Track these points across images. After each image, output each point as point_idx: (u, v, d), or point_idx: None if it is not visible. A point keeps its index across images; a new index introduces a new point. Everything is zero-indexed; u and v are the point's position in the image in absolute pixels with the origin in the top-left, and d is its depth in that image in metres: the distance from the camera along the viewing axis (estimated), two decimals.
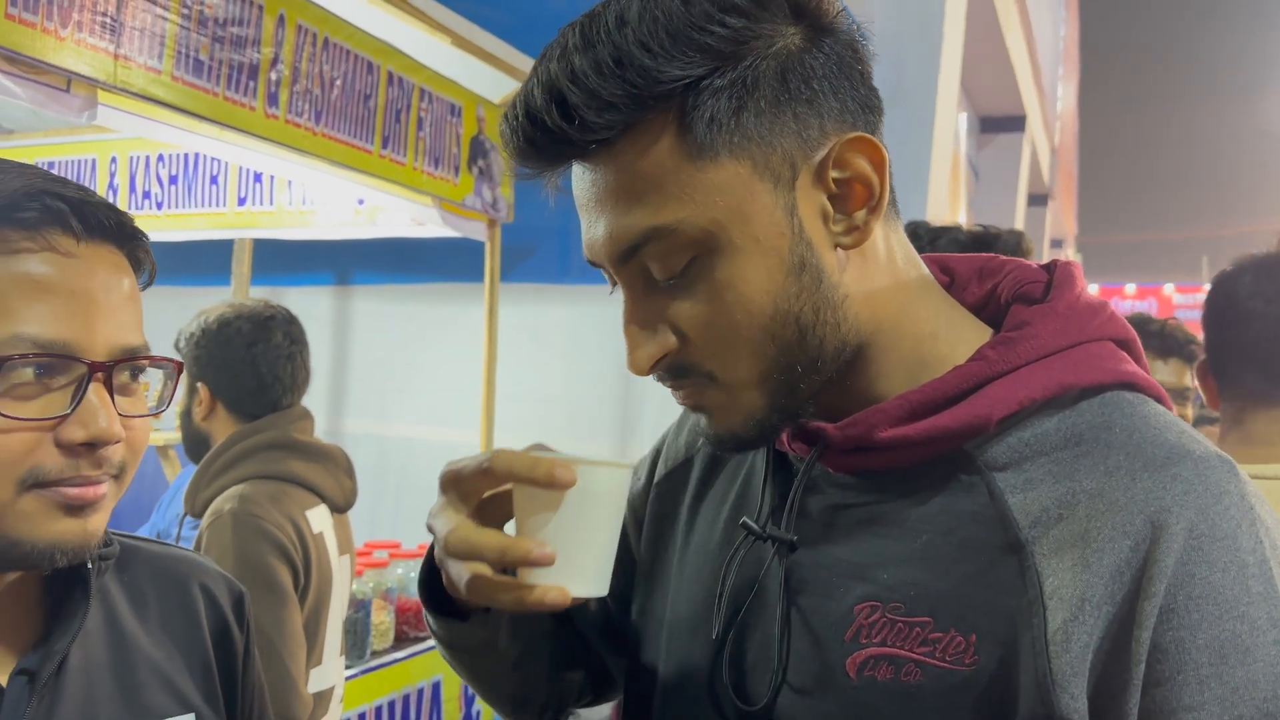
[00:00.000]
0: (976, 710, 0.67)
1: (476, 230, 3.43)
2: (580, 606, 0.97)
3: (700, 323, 0.72)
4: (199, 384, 2.12)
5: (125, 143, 3.90)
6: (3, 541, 0.73)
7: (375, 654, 2.84)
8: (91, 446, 0.74)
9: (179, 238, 3.79)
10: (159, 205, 3.86)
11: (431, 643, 3.15)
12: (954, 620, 0.69)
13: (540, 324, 4.08)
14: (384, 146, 2.86)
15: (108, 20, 2.00)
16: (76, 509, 0.75)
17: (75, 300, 0.74)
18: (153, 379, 0.85)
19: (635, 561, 0.94)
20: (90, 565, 0.82)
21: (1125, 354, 0.77)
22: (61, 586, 0.83)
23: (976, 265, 0.84)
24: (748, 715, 0.77)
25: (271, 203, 3.62)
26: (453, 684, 3.21)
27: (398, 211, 3.36)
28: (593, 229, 0.74)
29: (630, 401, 4.00)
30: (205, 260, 4.00)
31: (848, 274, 0.74)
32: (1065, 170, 13.82)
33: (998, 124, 8.52)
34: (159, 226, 3.80)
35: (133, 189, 3.90)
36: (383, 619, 2.89)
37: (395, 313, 4.29)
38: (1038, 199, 10.91)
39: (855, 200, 0.73)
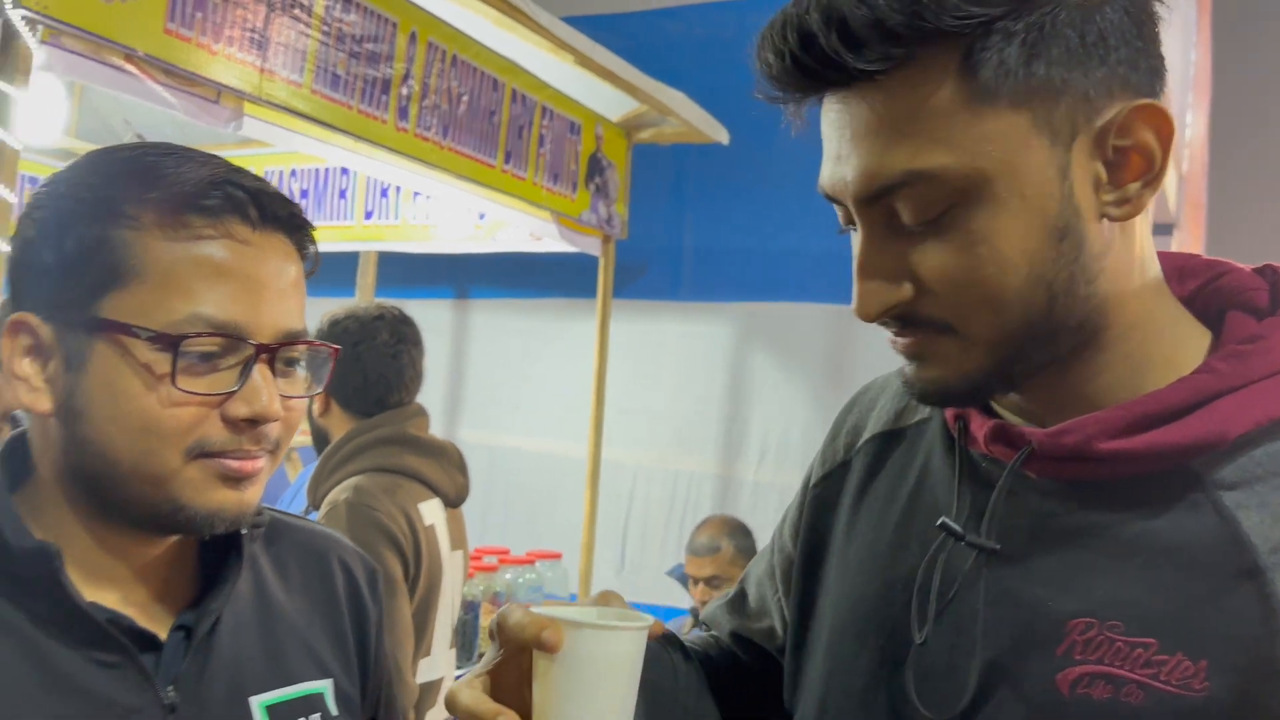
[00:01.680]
0: None
1: (591, 245, 3.50)
2: (759, 627, 0.98)
3: (947, 274, 0.68)
4: None
5: (261, 158, 4.09)
6: (169, 504, 0.78)
7: (482, 656, 2.89)
8: (253, 423, 0.79)
9: None
10: None
11: None
12: (1181, 644, 0.65)
13: (650, 340, 4.13)
14: (506, 161, 2.95)
15: (255, 35, 2.13)
16: (235, 480, 0.80)
17: (248, 285, 0.78)
18: (308, 363, 0.88)
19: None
20: (244, 532, 0.87)
21: None
22: (217, 551, 0.88)
23: (1176, 264, 0.79)
24: None
25: (396, 217, 3.76)
26: None
27: (516, 227, 3.45)
28: (841, 164, 0.69)
29: (736, 419, 4.01)
30: (332, 271, 4.14)
31: (1110, 252, 0.69)
32: (1193, 199, 13.24)
33: None
34: None
35: None
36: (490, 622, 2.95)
37: (510, 326, 4.39)
38: (1163, 228, 10.49)
39: (1131, 171, 0.68)
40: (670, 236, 4.08)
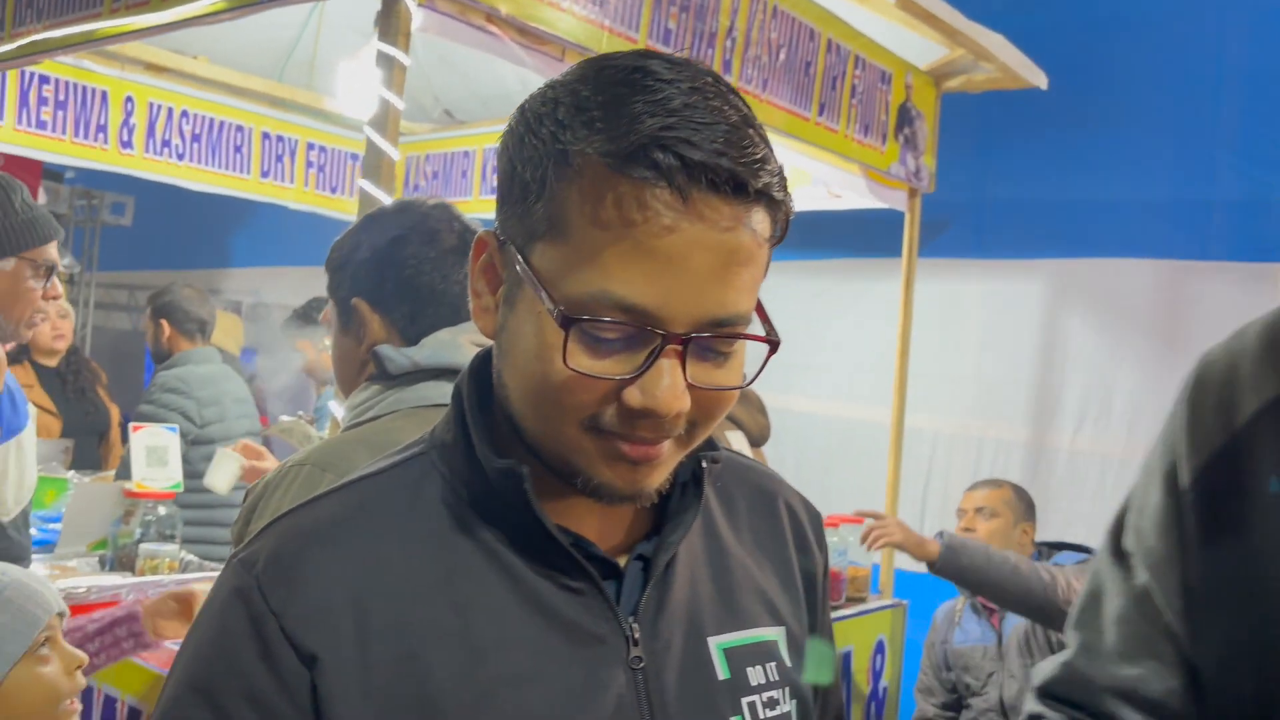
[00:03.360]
0: None
1: (898, 200, 3.37)
2: None
3: None
4: None
5: None
6: (568, 467, 0.74)
7: None
8: (647, 413, 0.70)
9: None
10: None
11: (844, 612, 3.14)
12: None
13: (952, 300, 3.95)
14: (820, 113, 2.88)
15: None
16: (632, 462, 0.73)
17: (669, 267, 0.68)
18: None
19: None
20: (704, 466, 0.81)
21: None
22: (673, 483, 0.81)
23: None
24: None
25: None
26: (862, 655, 3.18)
27: (814, 185, 3.38)
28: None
29: (1049, 385, 3.77)
30: None
31: None
32: None
33: None
34: None
35: None
36: None
37: (798, 288, 4.31)
38: None
39: None
40: (975, 190, 3.87)
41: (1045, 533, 3.48)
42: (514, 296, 0.73)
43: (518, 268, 0.72)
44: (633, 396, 0.70)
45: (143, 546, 2.63)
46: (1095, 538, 3.26)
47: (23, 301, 2.00)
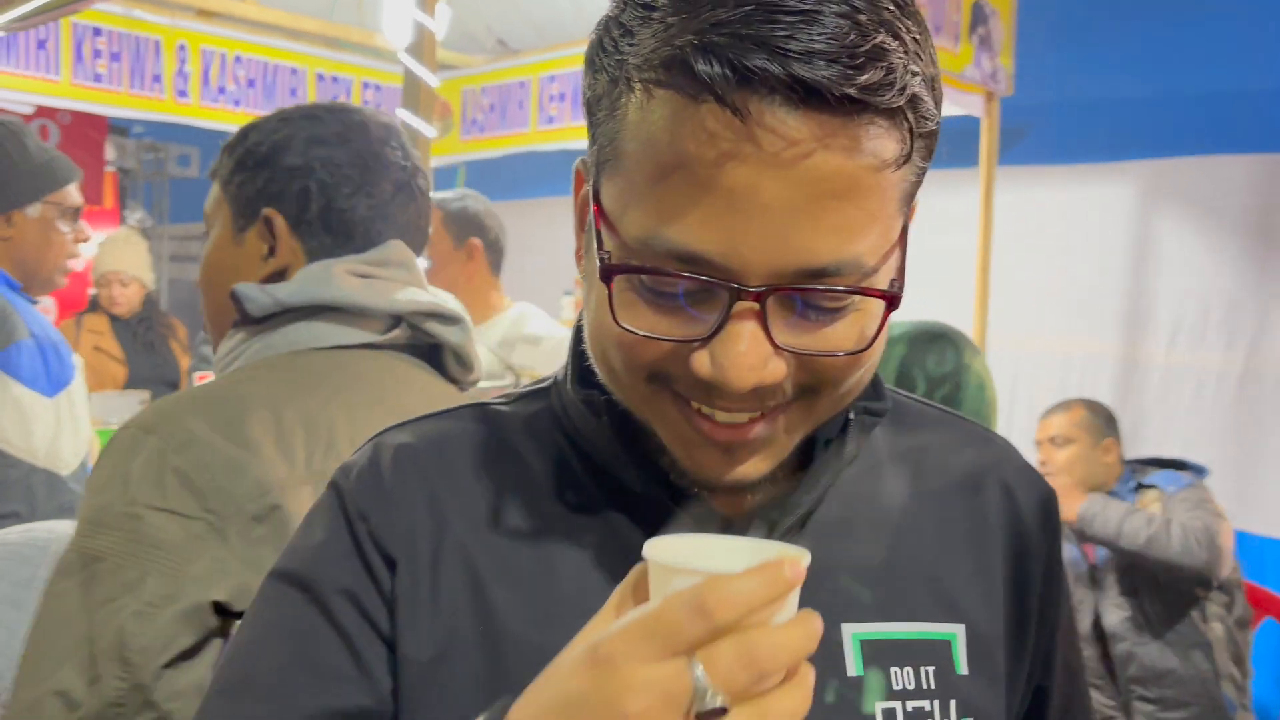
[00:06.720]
0: None
1: (974, 105, 3.18)
2: None
3: None
4: None
5: None
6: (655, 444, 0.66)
7: None
8: (718, 385, 0.59)
9: None
10: None
11: None
12: None
13: (1035, 210, 3.74)
14: None
15: None
16: (721, 446, 0.62)
17: (733, 204, 0.55)
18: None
19: None
20: (852, 417, 0.68)
21: None
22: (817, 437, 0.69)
23: None
24: None
25: None
26: None
27: None
28: None
29: (1141, 295, 3.57)
30: None
31: None
32: None
33: None
34: None
35: None
36: None
37: None
38: None
39: None
40: (1057, 91, 3.64)
41: (1139, 451, 3.31)
42: (589, 237, 0.64)
43: (589, 202, 0.63)
44: (701, 364, 0.59)
45: None
46: (1192, 454, 3.09)
47: (55, 248, 1.97)
